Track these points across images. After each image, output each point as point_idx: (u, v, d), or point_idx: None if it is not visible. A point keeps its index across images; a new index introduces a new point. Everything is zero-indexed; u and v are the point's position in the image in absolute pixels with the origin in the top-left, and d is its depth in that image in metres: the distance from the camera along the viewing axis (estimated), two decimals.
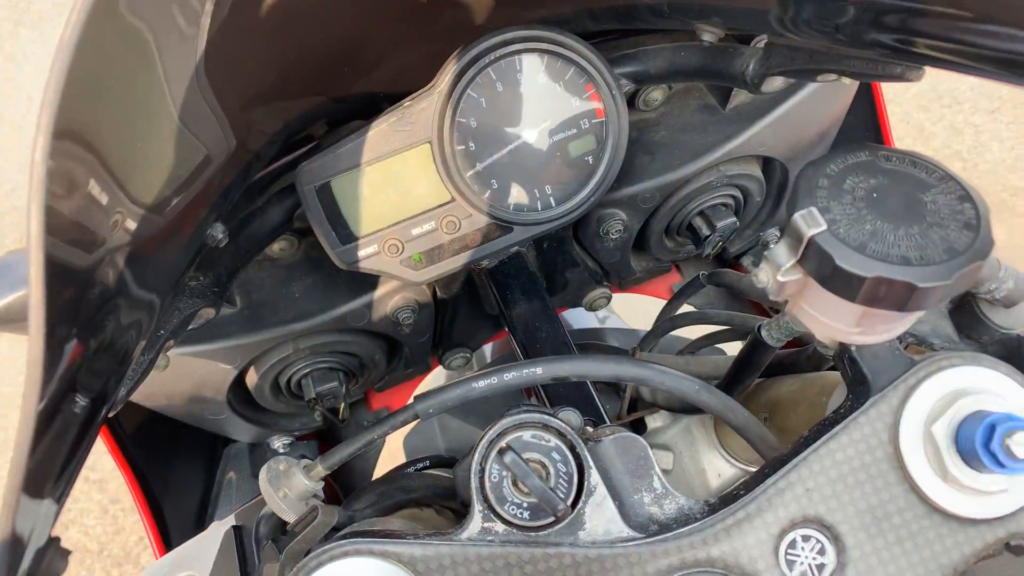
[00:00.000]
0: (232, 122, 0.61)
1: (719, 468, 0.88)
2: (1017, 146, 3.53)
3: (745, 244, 1.04)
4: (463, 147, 0.71)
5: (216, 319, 0.78)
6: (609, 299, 0.99)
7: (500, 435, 0.50)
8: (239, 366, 0.81)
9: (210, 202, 0.61)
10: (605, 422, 0.73)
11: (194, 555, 0.62)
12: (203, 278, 0.66)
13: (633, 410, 0.96)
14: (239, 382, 0.86)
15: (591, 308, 0.99)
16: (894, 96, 3.74)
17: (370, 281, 0.81)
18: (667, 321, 0.89)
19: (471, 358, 0.99)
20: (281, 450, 0.98)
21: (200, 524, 0.96)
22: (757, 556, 0.48)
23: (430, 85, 0.70)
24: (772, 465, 0.51)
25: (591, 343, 1.04)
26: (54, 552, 0.35)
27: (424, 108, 0.69)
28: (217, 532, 0.62)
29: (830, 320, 0.50)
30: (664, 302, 1.09)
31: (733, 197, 0.90)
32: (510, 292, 0.80)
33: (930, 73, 0.60)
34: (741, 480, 0.88)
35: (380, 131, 0.69)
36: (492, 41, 0.68)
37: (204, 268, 0.67)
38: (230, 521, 0.63)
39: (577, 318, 1.31)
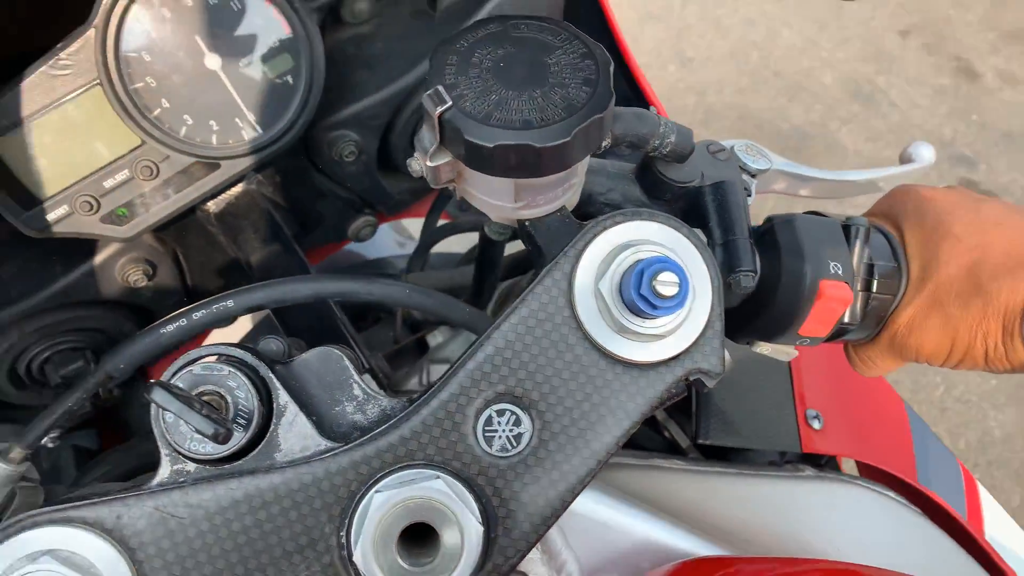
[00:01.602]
0: None
1: None
2: (804, 30, 3.76)
3: None
4: (141, 84, 0.66)
5: None
6: (374, 227, 0.96)
7: (174, 375, 0.47)
8: None
9: None
10: (351, 347, 0.71)
11: None
12: None
13: (417, 332, 0.96)
14: None
15: (358, 238, 0.97)
16: None
17: (86, 248, 0.75)
18: (427, 236, 0.89)
19: None
20: (51, 444, 0.91)
21: None
22: (456, 440, 0.49)
23: (85, 22, 0.64)
24: (466, 350, 0.51)
25: (371, 273, 1.02)
26: None
27: (80, 48, 0.63)
28: None
29: (491, 199, 0.50)
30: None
31: None
32: (242, 235, 0.76)
33: None
34: None
35: (35, 80, 0.63)
36: None
37: None
38: None
39: (377, 249, 1.28)
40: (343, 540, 0.46)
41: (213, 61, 0.67)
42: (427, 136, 0.48)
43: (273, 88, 0.70)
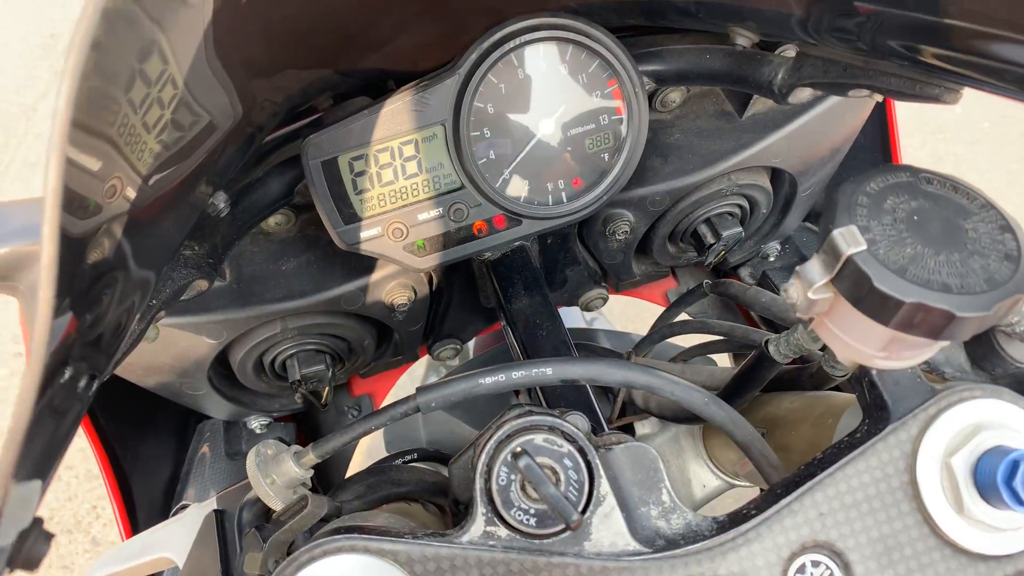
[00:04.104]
0: (239, 91, 0.58)
1: (704, 479, 0.87)
2: (994, 179, 3.60)
3: (745, 255, 1.03)
4: (478, 133, 0.68)
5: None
6: (605, 300, 0.97)
7: (509, 437, 0.48)
8: (223, 341, 0.78)
9: (212, 171, 0.58)
10: (603, 428, 0.71)
11: (170, 537, 0.59)
12: (198, 248, 0.63)
13: (622, 415, 0.94)
14: (221, 358, 0.83)
15: (587, 308, 0.98)
16: None
17: (366, 264, 0.78)
18: (666, 327, 0.88)
19: (461, 350, 0.97)
20: (258, 430, 0.95)
21: (168, 501, 0.92)
22: None
23: (450, 65, 0.67)
24: (784, 486, 0.49)
25: (585, 344, 1.02)
26: (38, 534, 0.33)
27: (442, 88, 0.66)
28: (196, 515, 0.59)
29: (855, 342, 0.49)
30: (656, 307, 1.08)
31: (740, 207, 0.89)
32: (511, 287, 0.78)
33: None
34: (722, 492, 0.86)
35: (394, 109, 0.66)
36: (519, 25, 0.66)
37: (200, 237, 0.64)
38: (210, 504, 0.60)
39: (565, 317, 1.29)
40: None
41: (545, 126, 0.69)
42: (817, 269, 0.47)
43: (588, 162, 0.71)
